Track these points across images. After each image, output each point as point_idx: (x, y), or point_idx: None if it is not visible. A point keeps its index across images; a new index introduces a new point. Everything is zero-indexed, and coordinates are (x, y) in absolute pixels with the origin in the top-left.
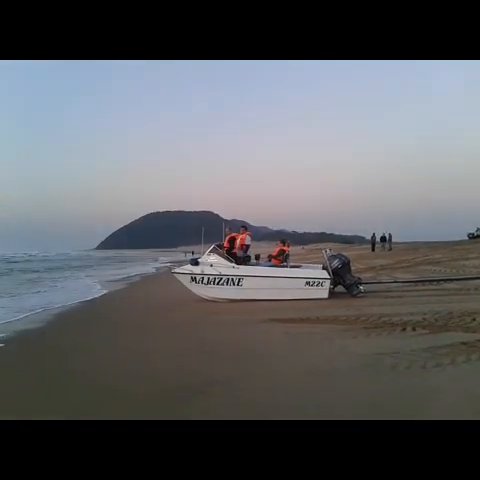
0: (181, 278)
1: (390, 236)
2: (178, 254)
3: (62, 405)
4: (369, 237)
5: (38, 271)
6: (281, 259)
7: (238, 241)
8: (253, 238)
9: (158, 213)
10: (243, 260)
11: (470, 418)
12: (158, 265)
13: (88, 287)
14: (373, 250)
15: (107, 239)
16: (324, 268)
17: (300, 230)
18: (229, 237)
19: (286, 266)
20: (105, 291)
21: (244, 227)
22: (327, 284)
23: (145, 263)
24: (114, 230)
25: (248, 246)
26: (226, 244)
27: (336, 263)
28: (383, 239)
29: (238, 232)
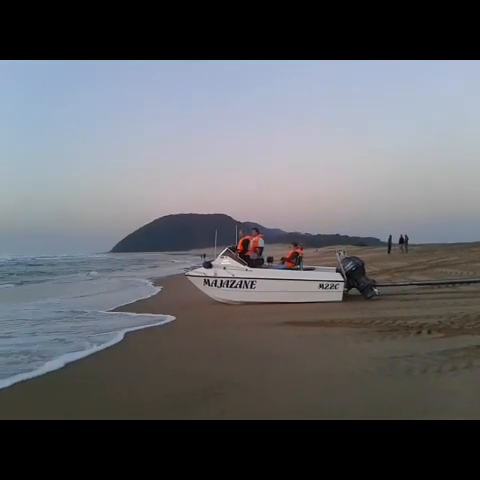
0: (194, 281)
1: (407, 238)
2: (193, 257)
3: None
4: (383, 239)
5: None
6: (294, 262)
7: (251, 243)
8: (266, 240)
9: (171, 216)
10: (256, 263)
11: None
12: (185, 266)
13: (145, 285)
14: (389, 252)
15: (121, 242)
16: (338, 271)
17: (313, 232)
18: (243, 240)
19: (299, 269)
20: (159, 288)
21: (256, 229)
22: (341, 287)
23: (171, 265)
24: (128, 233)
25: (261, 248)
26: (240, 247)
27: (350, 265)
28: (401, 241)
29: (250, 234)
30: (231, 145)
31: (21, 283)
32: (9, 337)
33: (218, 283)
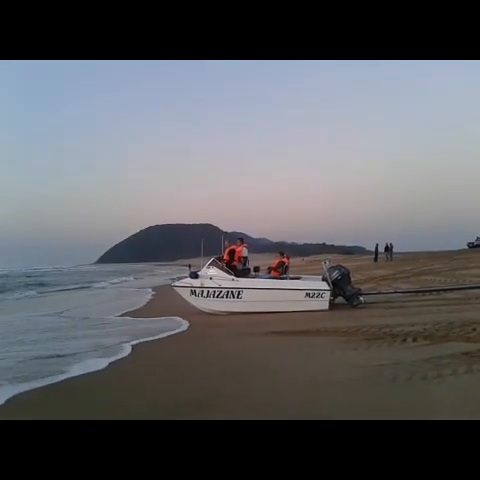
0: (181, 291)
1: (392, 246)
2: (178, 267)
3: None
4: (369, 247)
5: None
6: (281, 271)
7: (236, 253)
8: (251, 250)
9: (157, 226)
10: (242, 272)
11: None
12: (174, 276)
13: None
14: (376, 260)
15: (106, 253)
16: (324, 279)
17: (300, 241)
18: (229, 250)
19: (286, 278)
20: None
21: (240, 239)
22: (327, 295)
23: (160, 275)
24: (113, 244)
25: (245, 258)
26: (226, 257)
27: (336, 274)
28: (387, 249)
29: (235, 244)
30: (219, 154)
31: (42, 292)
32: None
33: (205, 293)
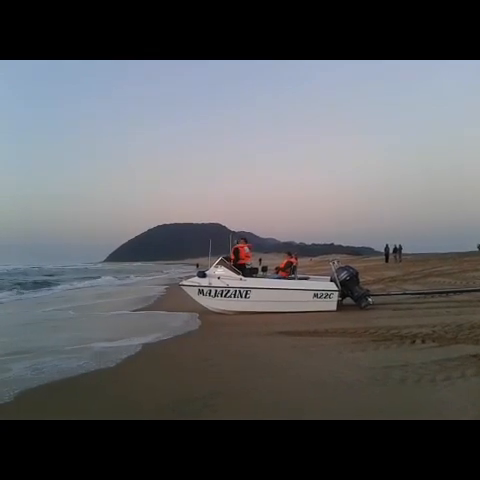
0: (189, 290)
1: (400, 247)
2: (186, 266)
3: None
4: (377, 248)
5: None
6: (289, 271)
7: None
8: (261, 250)
9: (165, 225)
10: (250, 272)
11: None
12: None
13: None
14: (387, 261)
15: (115, 252)
16: (332, 280)
17: (308, 241)
18: (234, 249)
19: (294, 278)
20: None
21: (244, 239)
22: (335, 296)
23: (167, 274)
24: (121, 243)
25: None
26: (232, 256)
27: (344, 275)
28: (395, 250)
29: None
30: (227, 154)
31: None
32: None
33: (212, 293)
